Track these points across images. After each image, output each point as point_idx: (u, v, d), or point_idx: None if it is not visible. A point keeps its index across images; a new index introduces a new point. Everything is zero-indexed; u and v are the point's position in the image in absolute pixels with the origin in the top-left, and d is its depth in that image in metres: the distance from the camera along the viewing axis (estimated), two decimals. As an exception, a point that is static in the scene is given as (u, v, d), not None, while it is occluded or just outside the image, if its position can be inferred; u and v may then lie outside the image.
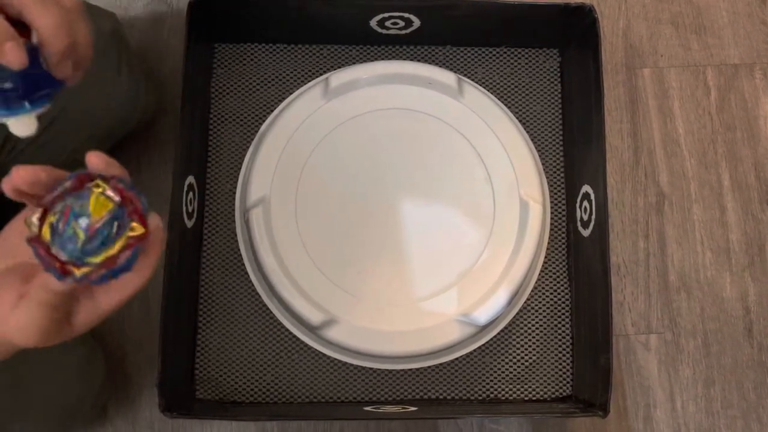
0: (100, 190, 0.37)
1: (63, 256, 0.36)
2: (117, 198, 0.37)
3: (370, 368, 0.76)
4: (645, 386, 0.81)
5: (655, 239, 0.84)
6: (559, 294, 0.80)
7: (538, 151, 0.81)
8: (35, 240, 0.36)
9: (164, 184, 0.71)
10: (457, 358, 0.76)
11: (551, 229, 0.80)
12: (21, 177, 0.36)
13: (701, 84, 0.89)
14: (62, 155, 0.68)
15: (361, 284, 0.74)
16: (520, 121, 0.82)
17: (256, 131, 0.80)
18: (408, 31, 0.80)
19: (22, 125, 0.42)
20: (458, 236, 0.75)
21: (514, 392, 0.78)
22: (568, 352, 0.79)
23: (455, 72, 0.80)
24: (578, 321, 0.78)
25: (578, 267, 0.78)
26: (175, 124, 0.73)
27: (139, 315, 0.80)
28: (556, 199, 0.82)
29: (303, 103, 0.77)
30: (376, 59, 0.84)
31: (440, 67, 0.80)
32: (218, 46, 0.83)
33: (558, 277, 0.80)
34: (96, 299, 0.38)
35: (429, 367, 0.76)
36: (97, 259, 0.36)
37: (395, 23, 0.78)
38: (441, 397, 0.77)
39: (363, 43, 0.84)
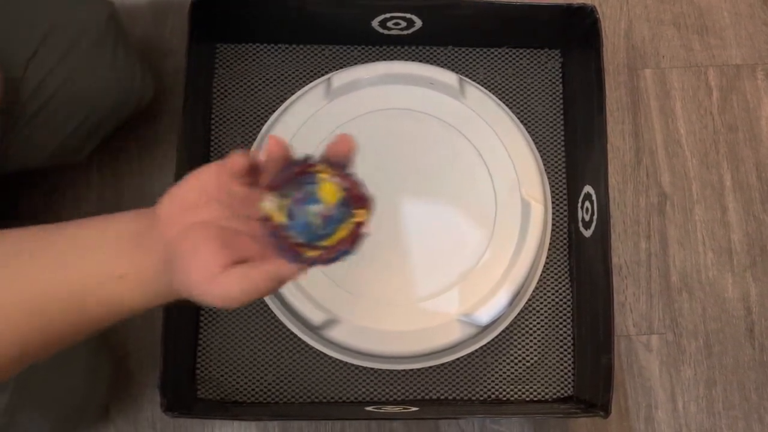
0: (327, 176, 0.39)
1: (297, 239, 0.38)
2: (345, 185, 0.39)
3: (372, 368, 0.76)
4: (646, 387, 0.81)
5: (657, 240, 0.84)
6: (560, 294, 0.80)
7: (540, 151, 0.81)
8: (269, 221, 0.38)
9: (166, 184, 0.71)
10: (458, 359, 0.76)
11: (553, 230, 0.80)
12: (276, 145, 0.39)
13: (703, 85, 0.89)
14: (55, 140, 0.68)
15: (363, 284, 0.74)
16: (521, 121, 0.82)
17: (258, 131, 0.80)
18: (410, 31, 0.80)
19: None
20: (459, 236, 0.75)
21: (516, 393, 0.78)
22: (569, 353, 0.79)
23: (457, 72, 0.80)
24: (580, 321, 0.77)
25: (580, 267, 0.78)
26: (176, 124, 0.73)
27: (141, 314, 0.80)
28: (557, 199, 0.82)
29: (305, 103, 0.77)
30: (377, 59, 0.84)
31: (442, 67, 0.80)
32: (220, 46, 0.84)
33: (559, 277, 0.80)
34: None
35: (430, 367, 0.76)
36: (327, 243, 0.39)
37: (397, 24, 0.78)
38: (442, 397, 0.77)
39: (365, 43, 0.84)
